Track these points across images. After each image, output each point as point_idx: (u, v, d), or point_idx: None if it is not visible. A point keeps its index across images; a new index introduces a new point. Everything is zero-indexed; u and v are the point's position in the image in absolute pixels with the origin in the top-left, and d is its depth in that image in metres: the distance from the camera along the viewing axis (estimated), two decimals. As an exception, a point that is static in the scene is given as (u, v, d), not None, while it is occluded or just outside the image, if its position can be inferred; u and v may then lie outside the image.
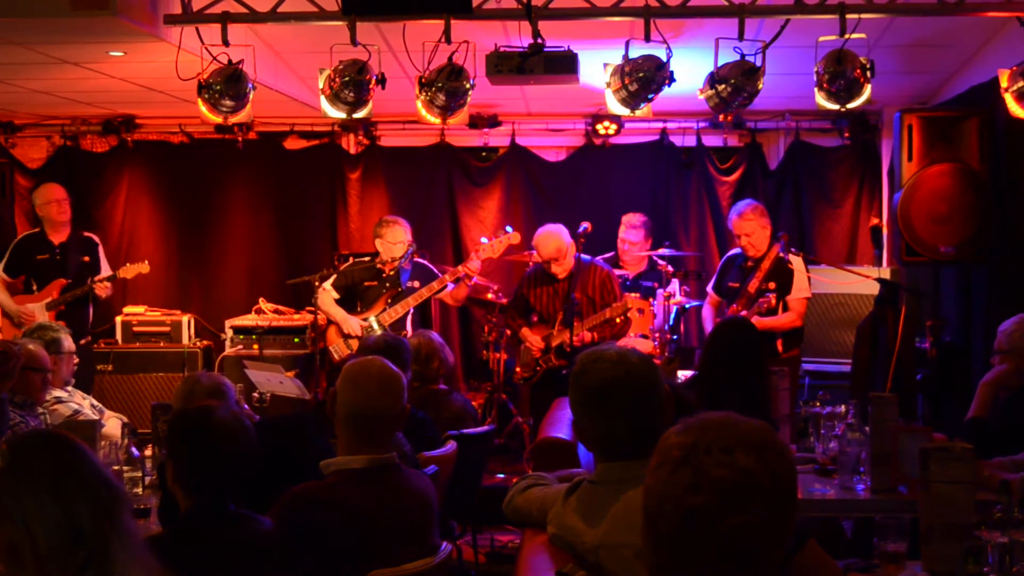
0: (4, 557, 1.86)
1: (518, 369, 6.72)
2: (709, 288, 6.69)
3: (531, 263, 7.04)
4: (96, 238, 7.26)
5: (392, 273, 6.58)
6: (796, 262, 6.22)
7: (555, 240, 6.39)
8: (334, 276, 6.69)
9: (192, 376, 4.13)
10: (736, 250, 6.46)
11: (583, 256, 6.42)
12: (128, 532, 1.91)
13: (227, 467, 2.67)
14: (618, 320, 6.32)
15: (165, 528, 2.75)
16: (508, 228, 6.83)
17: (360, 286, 6.65)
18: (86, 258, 7.08)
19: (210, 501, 2.65)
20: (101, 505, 1.89)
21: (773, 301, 6.01)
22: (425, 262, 6.84)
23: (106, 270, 7.10)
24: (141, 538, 1.98)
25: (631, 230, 7.23)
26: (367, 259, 6.82)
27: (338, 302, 6.64)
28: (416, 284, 6.61)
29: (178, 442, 2.70)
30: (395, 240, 6.56)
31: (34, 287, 6.93)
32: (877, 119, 7.85)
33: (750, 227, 6.21)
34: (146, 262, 7.17)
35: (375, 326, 6.49)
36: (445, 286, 6.62)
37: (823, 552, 2.01)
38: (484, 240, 6.78)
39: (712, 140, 8.20)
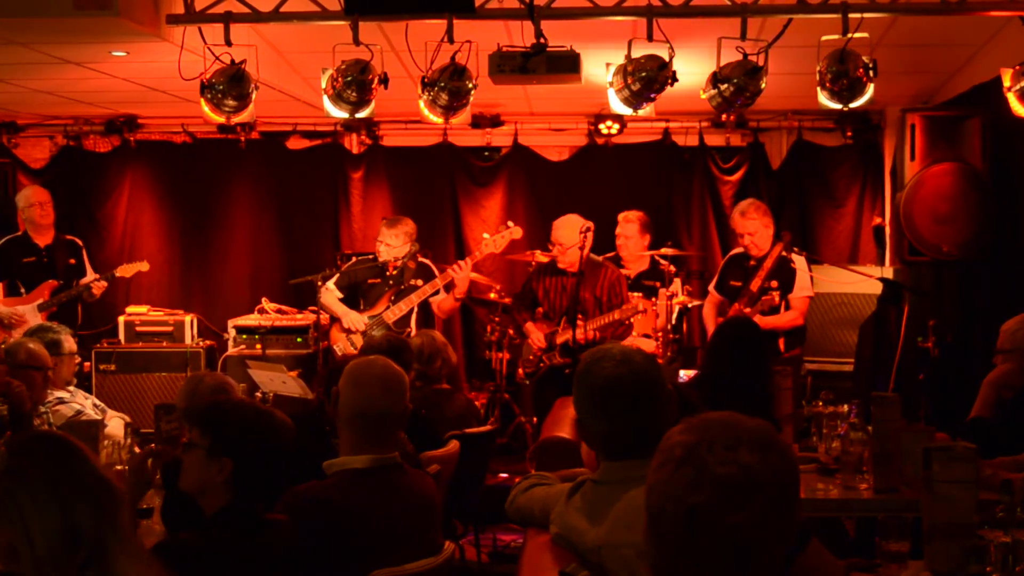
0: (4, 558, 1.86)
1: (520, 367, 6.71)
2: (710, 287, 6.68)
3: (533, 262, 7.03)
4: (80, 241, 7.32)
5: (395, 271, 6.59)
6: (798, 261, 6.22)
7: (563, 228, 6.32)
8: (337, 276, 6.69)
9: (196, 376, 4.13)
10: (739, 249, 6.45)
11: (595, 257, 6.41)
12: (127, 533, 1.91)
13: (280, 468, 2.62)
14: (626, 322, 6.31)
15: (187, 529, 2.66)
16: (509, 223, 6.81)
17: (363, 284, 6.65)
18: (72, 260, 7.12)
19: (251, 502, 2.59)
20: (100, 506, 1.89)
21: (776, 299, 6.00)
22: (428, 262, 6.84)
23: (90, 272, 7.17)
24: (140, 538, 1.97)
25: (626, 224, 7.15)
26: (370, 257, 6.81)
27: (342, 301, 6.64)
28: (419, 283, 6.61)
29: (243, 439, 2.58)
30: (399, 239, 6.56)
31: (21, 290, 6.94)
32: (880, 118, 7.83)
33: (753, 226, 6.20)
34: (145, 261, 7.19)
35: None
36: (441, 287, 6.60)
37: (826, 551, 2.00)
38: (486, 236, 6.77)
39: (714, 139, 8.19)
